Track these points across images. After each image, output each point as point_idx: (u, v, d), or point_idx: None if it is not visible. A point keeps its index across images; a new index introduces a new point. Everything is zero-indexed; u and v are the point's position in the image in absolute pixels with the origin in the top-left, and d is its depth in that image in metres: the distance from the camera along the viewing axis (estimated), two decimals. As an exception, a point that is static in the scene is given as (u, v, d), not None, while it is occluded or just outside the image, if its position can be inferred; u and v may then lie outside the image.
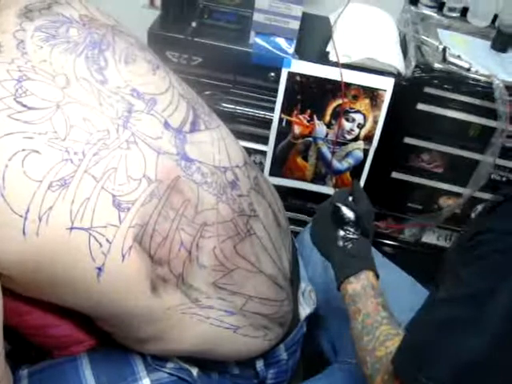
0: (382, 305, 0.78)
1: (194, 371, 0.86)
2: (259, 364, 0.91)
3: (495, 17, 1.57)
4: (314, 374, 1.04)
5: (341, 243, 0.86)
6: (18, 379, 0.80)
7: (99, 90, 0.69)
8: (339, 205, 0.89)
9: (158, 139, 0.71)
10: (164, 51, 1.39)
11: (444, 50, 1.37)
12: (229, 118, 1.46)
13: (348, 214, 0.88)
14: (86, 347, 0.85)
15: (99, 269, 0.65)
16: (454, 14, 1.61)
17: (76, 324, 0.84)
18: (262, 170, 1.53)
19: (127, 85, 0.72)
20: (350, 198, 0.94)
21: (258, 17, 1.36)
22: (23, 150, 0.60)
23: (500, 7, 1.54)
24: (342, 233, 0.87)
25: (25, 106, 0.62)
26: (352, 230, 0.87)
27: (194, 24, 1.37)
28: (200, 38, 1.38)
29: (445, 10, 1.61)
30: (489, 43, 1.51)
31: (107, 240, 0.64)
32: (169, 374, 0.84)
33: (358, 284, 0.81)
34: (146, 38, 1.40)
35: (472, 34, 1.55)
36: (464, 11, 1.62)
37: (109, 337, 0.83)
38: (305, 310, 1.01)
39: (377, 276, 0.84)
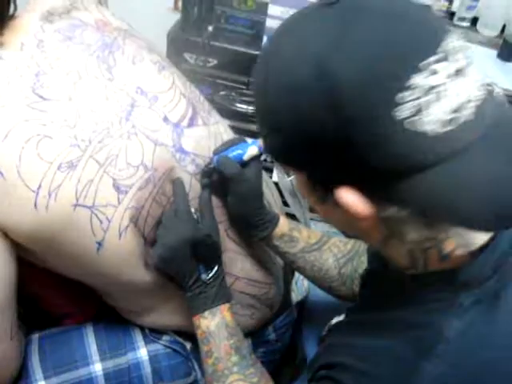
0: (235, 347, 0.79)
1: (188, 345, 0.95)
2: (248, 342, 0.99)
3: (504, 27, 1.62)
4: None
5: (204, 277, 0.81)
6: (29, 341, 0.90)
7: (107, 86, 0.78)
8: (214, 240, 0.81)
9: (157, 132, 0.79)
10: (182, 53, 1.49)
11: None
12: (242, 118, 1.54)
13: (210, 251, 0.82)
14: (90, 318, 0.95)
15: (99, 243, 0.74)
16: (464, 24, 1.66)
17: (83, 296, 0.94)
18: (272, 168, 1.60)
19: (132, 83, 0.80)
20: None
21: (270, 23, 1.45)
22: (38, 134, 0.69)
23: (510, 17, 1.59)
24: (203, 266, 0.81)
25: (41, 97, 0.71)
26: (214, 263, 0.82)
27: (210, 28, 1.47)
28: (216, 42, 1.48)
29: (455, 19, 1.66)
30: (496, 52, 1.56)
31: (107, 218, 0.73)
32: (164, 346, 0.93)
33: (212, 321, 0.80)
34: (166, 40, 1.49)
35: (480, 44, 1.60)
36: (474, 21, 1.67)
37: (112, 310, 0.92)
38: (297, 297, 1.09)
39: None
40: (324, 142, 0.50)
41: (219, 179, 0.83)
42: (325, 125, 0.49)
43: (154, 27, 1.53)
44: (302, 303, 1.11)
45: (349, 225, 0.58)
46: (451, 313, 0.56)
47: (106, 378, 0.89)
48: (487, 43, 1.61)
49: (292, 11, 1.38)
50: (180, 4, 1.70)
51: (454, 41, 0.49)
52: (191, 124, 0.85)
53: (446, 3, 1.62)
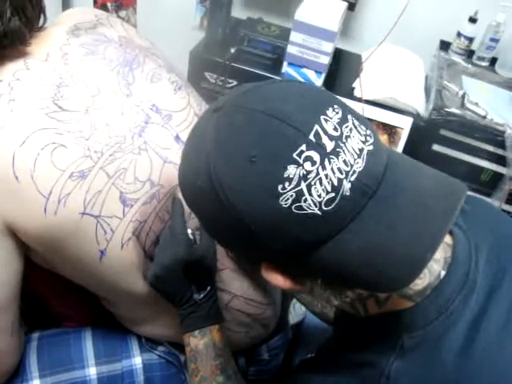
0: (221, 367, 0.82)
1: (182, 358, 0.96)
2: (241, 360, 1.00)
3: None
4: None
5: (196, 296, 0.82)
6: (29, 340, 0.93)
7: (124, 101, 0.81)
8: (208, 262, 0.82)
9: (167, 149, 0.82)
10: (203, 71, 1.52)
11: (463, 96, 1.45)
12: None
13: (204, 272, 0.83)
14: (90, 322, 0.97)
15: (102, 252, 0.76)
16: (483, 63, 1.68)
17: (86, 301, 0.96)
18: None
19: (149, 100, 0.83)
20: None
21: (291, 49, 1.49)
22: (53, 143, 0.72)
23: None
24: (196, 286, 0.82)
25: (60, 107, 0.74)
26: (207, 284, 0.83)
27: (232, 50, 1.51)
28: (237, 64, 1.52)
29: (474, 58, 1.69)
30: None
31: (111, 229, 0.76)
32: (159, 356, 0.95)
33: (202, 341, 0.82)
34: (188, 58, 1.53)
35: (497, 84, 1.62)
36: (493, 61, 1.69)
37: (112, 317, 0.95)
38: (293, 319, 1.11)
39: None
40: (230, 230, 0.56)
41: None
42: (222, 216, 0.55)
43: (178, 44, 1.58)
44: (298, 326, 1.13)
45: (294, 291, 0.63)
46: (394, 353, 0.60)
47: (100, 383, 0.91)
48: (504, 84, 1.62)
49: (312, 39, 1.44)
50: (205, 23, 1.76)
51: (329, 118, 0.53)
52: None
53: (467, 42, 1.64)
